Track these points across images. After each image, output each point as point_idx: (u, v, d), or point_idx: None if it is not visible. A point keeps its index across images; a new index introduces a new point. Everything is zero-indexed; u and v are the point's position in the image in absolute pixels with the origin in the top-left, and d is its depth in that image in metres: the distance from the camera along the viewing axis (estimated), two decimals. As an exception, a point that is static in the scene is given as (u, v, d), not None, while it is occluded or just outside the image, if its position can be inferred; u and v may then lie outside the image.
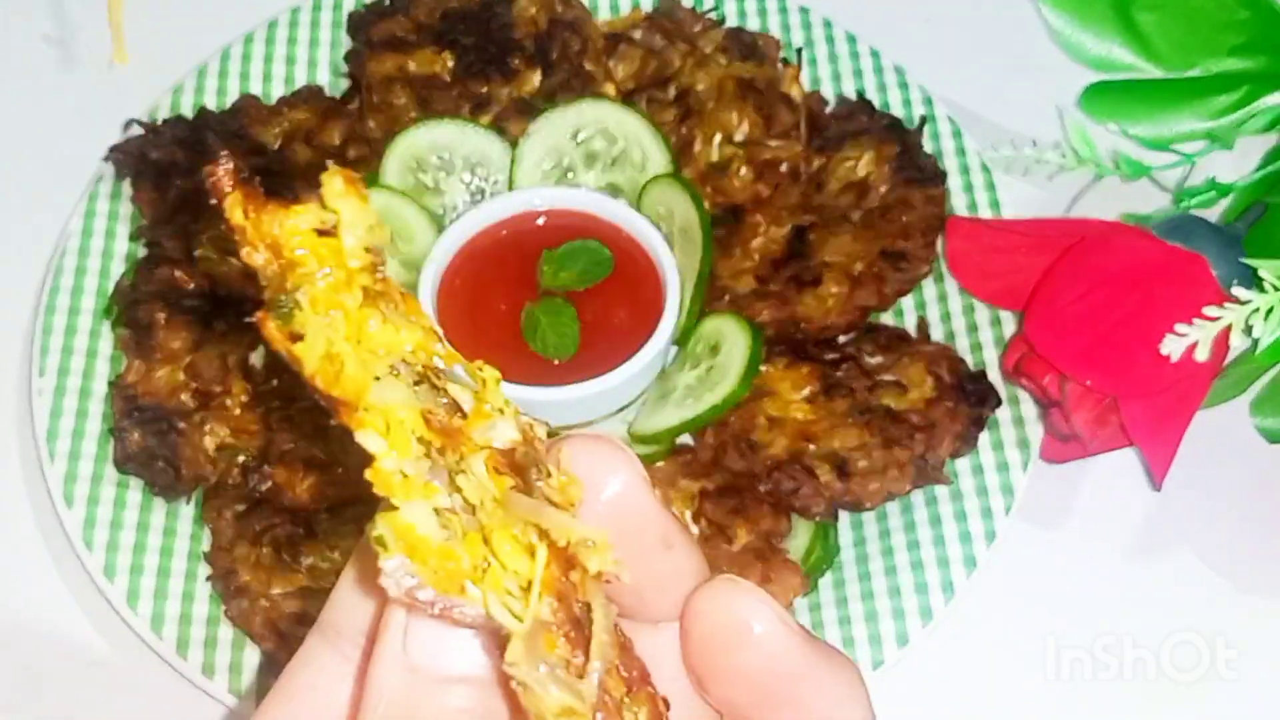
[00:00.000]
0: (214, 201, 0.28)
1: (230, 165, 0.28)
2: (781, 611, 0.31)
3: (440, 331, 0.28)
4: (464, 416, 0.28)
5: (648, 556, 0.30)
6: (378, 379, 0.27)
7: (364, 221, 0.28)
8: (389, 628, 0.29)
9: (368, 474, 0.27)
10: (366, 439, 0.27)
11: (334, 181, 0.28)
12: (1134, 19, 0.91)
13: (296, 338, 0.27)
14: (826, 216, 0.84)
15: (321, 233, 0.28)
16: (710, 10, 0.94)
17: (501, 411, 0.28)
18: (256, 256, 0.28)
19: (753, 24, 0.94)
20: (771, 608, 0.30)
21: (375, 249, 0.28)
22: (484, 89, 0.88)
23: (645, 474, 0.31)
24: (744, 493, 0.75)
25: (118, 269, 0.83)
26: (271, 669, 0.71)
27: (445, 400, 0.28)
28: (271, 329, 0.27)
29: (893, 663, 0.71)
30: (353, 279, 0.28)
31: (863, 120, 0.88)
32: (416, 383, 0.28)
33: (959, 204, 0.86)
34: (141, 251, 0.84)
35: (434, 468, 0.27)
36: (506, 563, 0.27)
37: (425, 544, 0.26)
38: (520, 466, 0.28)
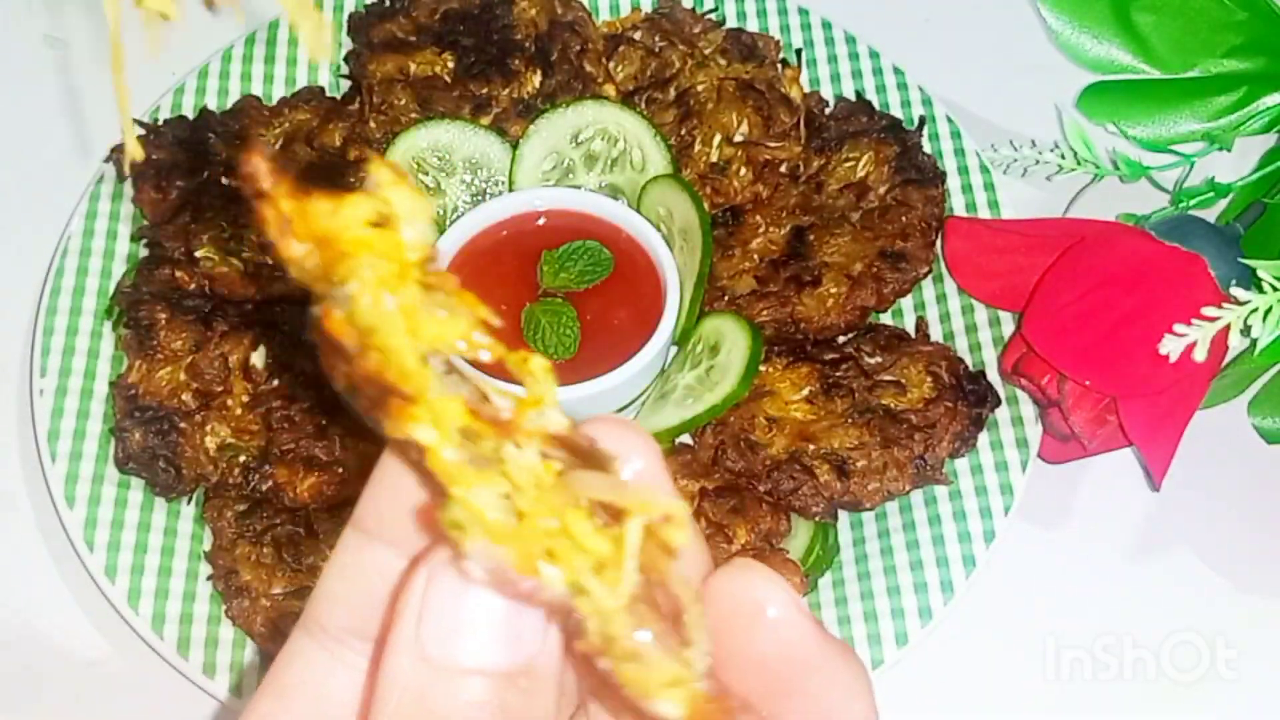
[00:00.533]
0: (253, 192, 0.27)
1: (271, 155, 0.27)
2: (797, 598, 0.30)
3: (493, 323, 0.28)
4: (505, 405, 0.27)
5: None
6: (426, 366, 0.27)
7: (423, 213, 0.27)
8: (402, 618, 0.29)
9: (428, 464, 0.27)
10: (419, 431, 0.27)
11: (382, 172, 0.27)
12: (1133, 20, 0.91)
13: (366, 332, 0.27)
14: (826, 217, 0.85)
15: (376, 224, 0.27)
16: (710, 11, 0.94)
17: (548, 399, 0.28)
18: (298, 248, 0.27)
19: (752, 25, 0.94)
20: (788, 593, 0.30)
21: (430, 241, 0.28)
22: (484, 90, 0.88)
23: (663, 457, 0.31)
24: (743, 493, 0.75)
25: (119, 269, 0.83)
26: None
27: (468, 390, 0.28)
28: (337, 323, 0.27)
29: (892, 662, 0.71)
30: (407, 272, 0.27)
31: (862, 121, 0.88)
32: (450, 372, 0.28)
33: (958, 204, 0.86)
34: (143, 252, 0.84)
35: (476, 457, 0.27)
36: (583, 542, 0.26)
37: (497, 527, 0.26)
38: (578, 449, 0.27)
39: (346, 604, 0.31)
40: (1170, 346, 0.68)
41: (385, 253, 0.27)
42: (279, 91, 0.91)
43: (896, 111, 0.89)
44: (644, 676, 0.26)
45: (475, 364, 0.28)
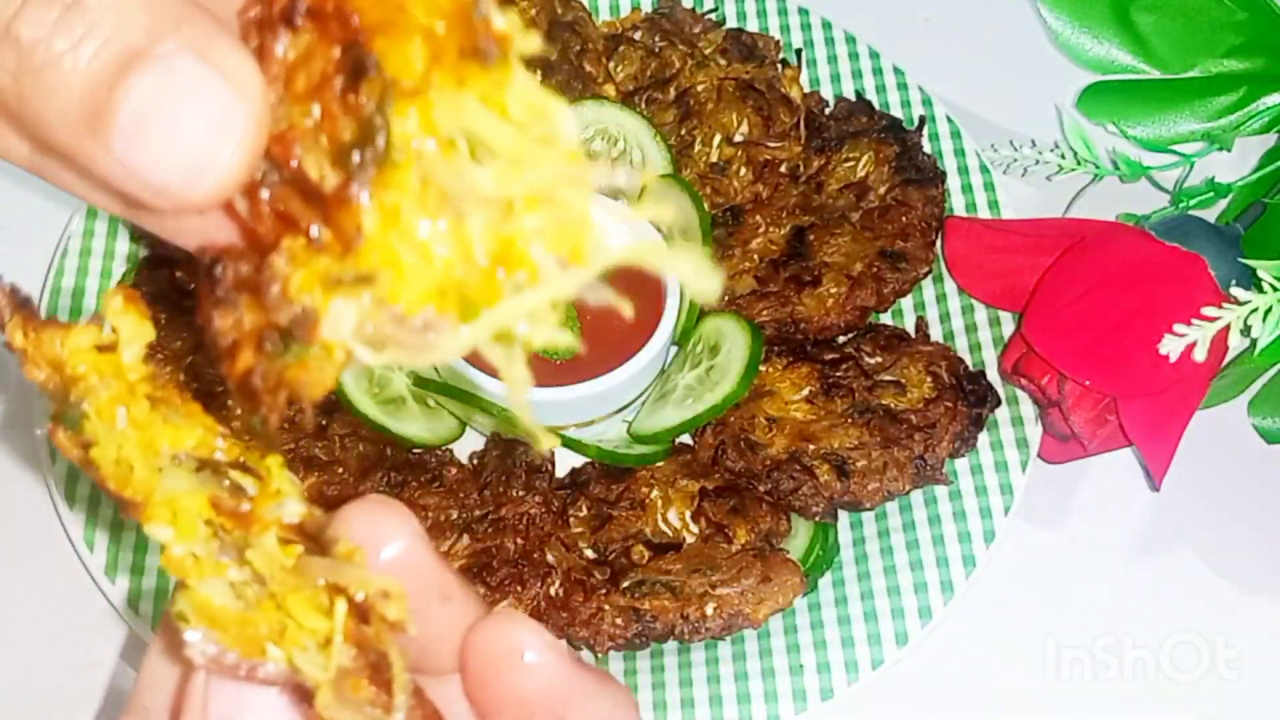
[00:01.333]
0: None
1: (7, 290, 0.31)
2: (551, 639, 0.33)
3: (220, 428, 0.32)
4: (247, 497, 0.30)
5: (428, 610, 0.33)
6: (161, 470, 0.30)
7: (142, 337, 0.31)
8: (189, 702, 0.31)
9: (161, 562, 0.29)
10: (154, 531, 0.29)
11: (114, 300, 0.30)
12: (1133, 20, 0.91)
13: (88, 445, 0.30)
14: (826, 217, 0.85)
15: (101, 348, 0.30)
16: (710, 11, 0.94)
17: (284, 491, 0.31)
18: (38, 374, 0.30)
19: (752, 25, 0.94)
20: (541, 636, 0.32)
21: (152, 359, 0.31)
22: (484, 90, 0.88)
23: (423, 532, 0.33)
24: (744, 493, 0.75)
25: (119, 269, 0.83)
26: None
27: (227, 483, 0.31)
28: (62, 439, 0.30)
29: (892, 662, 0.71)
30: (135, 389, 0.30)
31: (862, 121, 0.88)
32: (198, 469, 0.30)
33: (958, 204, 0.86)
34: (142, 252, 0.84)
35: (223, 546, 0.30)
36: (303, 622, 0.29)
37: (223, 614, 0.29)
38: (312, 534, 0.30)
39: (166, 688, 0.33)
40: (1170, 346, 0.68)
41: (109, 374, 0.30)
42: (279, 91, 0.91)
43: (896, 111, 0.89)
44: None
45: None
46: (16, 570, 0.78)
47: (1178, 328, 0.69)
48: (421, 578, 0.33)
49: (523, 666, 0.32)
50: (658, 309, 0.79)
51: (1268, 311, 0.69)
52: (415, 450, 0.78)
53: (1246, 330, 0.69)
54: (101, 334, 0.30)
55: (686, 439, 0.79)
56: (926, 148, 0.87)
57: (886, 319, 0.84)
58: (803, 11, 0.95)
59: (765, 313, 0.81)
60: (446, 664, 0.34)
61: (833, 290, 0.82)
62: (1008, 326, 0.81)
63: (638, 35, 0.92)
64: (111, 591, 0.73)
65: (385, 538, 0.32)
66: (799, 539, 0.76)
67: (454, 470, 0.77)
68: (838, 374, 0.78)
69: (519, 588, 0.71)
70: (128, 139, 0.27)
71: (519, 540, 0.73)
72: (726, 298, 0.83)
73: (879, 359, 0.79)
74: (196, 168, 0.27)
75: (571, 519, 0.75)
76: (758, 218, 0.85)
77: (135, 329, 0.30)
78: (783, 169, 0.87)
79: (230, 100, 0.27)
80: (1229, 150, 0.88)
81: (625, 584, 0.71)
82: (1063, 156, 0.87)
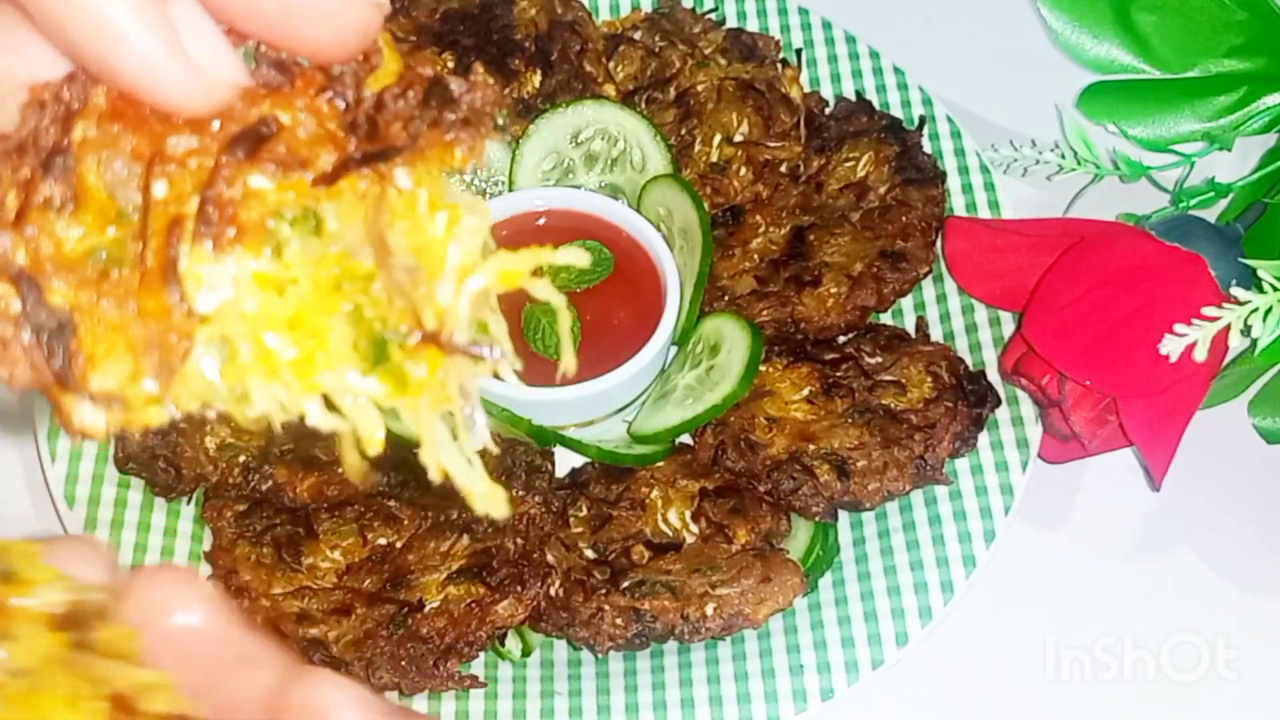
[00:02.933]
0: None
1: None
2: (368, 696, 0.32)
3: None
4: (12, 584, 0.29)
5: (227, 676, 0.32)
6: None
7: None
8: None
9: None
10: None
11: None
12: (1133, 20, 0.91)
13: None
14: (826, 217, 0.85)
15: None
16: (710, 11, 0.94)
17: (37, 579, 0.30)
18: None
19: (752, 24, 0.94)
20: (356, 694, 0.32)
21: None
22: (484, 90, 0.88)
23: (217, 596, 0.33)
24: (744, 493, 0.75)
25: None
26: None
27: None
28: None
29: (892, 663, 0.71)
30: None
31: (862, 120, 0.88)
32: None
33: (958, 204, 0.86)
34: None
35: None
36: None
37: None
38: (78, 622, 0.29)
39: None
40: (1170, 346, 0.68)
41: None
42: (279, 91, 0.91)
43: (896, 111, 0.89)
44: None
45: None
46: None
47: (1178, 328, 0.69)
48: (217, 644, 0.32)
49: None
50: (658, 309, 0.79)
51: (1268, 311, 0.69)
52: (415, 450, 0.78)
53: (1246, 330, 0.69)
54: None
55: (686, 439, 0.79)
56: (926, 148, 0.87)
57: (886, 319, 0.84)
58: (803, 11, 0.95)
59: (765, 313, 0.81)
60: None
61: (833, 290, 0.82)
62: (1008, 326, 0.81)
63: (638, 35, 0.92)
64: None
65: (173, 607, 0.32)
66: (799, 539, 0.76)
67: (454, 470, 0.76)
68: (838, 374, 0.78)
69: (519, 588, 0.71)
70: None
71: (519, 540, 0.73)
72: (726, 298, 0.83)
73: (879, 359, 0.79)
74: None
75: (571, 519, 0.75)
76: (758, 218, 0.85)
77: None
78: (783, 169, 0.87)
79: None
80: (1229, 150, 0.88)
81: (625, 584, 0.71)
82: (1063, 156, 0.87)
